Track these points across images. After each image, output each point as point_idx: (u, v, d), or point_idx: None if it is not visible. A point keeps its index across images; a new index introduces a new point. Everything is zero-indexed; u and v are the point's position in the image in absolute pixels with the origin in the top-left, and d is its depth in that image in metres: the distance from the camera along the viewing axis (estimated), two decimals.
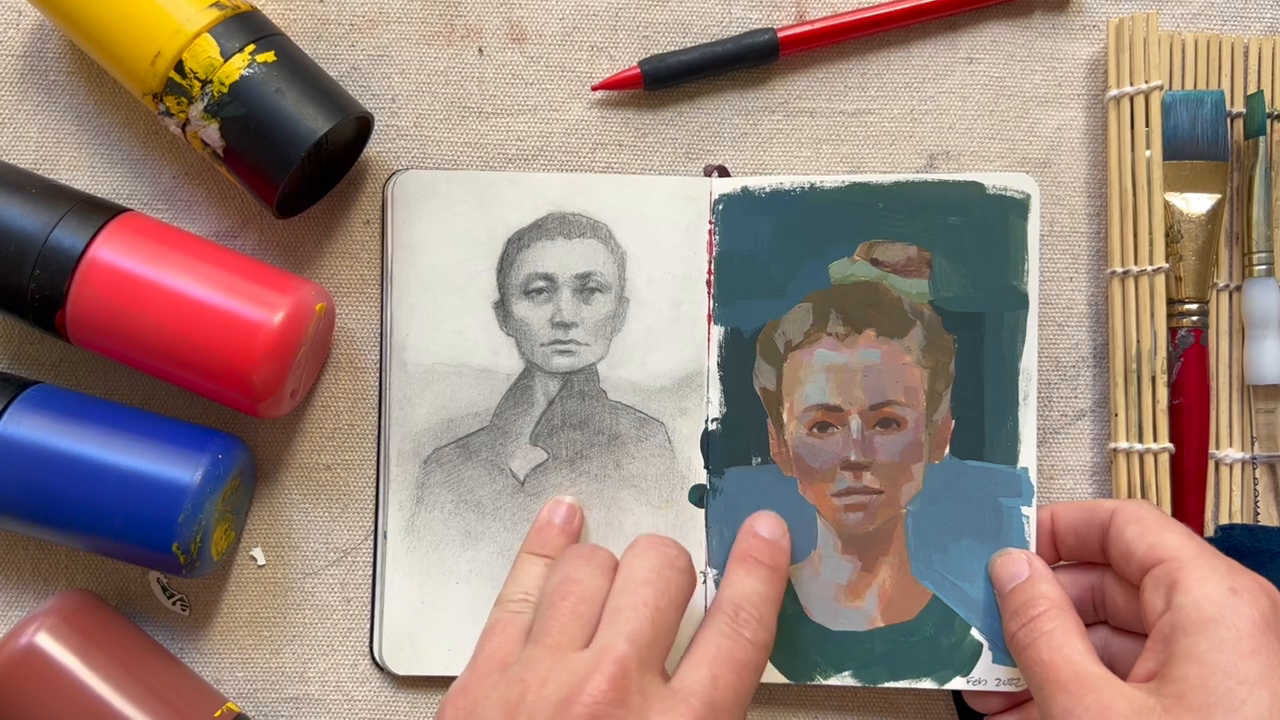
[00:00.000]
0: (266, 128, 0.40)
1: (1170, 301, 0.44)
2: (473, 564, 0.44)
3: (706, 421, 0.44)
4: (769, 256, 0.44)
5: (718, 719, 0.36)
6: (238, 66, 0.40)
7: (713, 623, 0.38)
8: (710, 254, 0.45)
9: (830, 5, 0.46)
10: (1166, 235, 0.44)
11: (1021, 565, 0.41)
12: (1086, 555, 0.42)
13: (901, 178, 0.44)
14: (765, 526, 0.42)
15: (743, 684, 0.37)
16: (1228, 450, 0.45)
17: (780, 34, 0.45)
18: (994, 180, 0.44)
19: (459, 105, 0.46)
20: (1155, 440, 0.44)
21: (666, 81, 0.46)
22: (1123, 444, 0.44)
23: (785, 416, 0.44)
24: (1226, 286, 0.45)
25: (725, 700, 0.36)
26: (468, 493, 0.44)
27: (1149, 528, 0.39)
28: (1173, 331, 0.44)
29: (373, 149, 0.46)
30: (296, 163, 0.40)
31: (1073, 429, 0.46)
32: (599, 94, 0.46)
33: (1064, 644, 0.37)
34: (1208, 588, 0.36)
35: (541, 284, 0.45)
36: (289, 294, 0.41)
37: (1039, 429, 0.46)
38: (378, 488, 0.45)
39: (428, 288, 0.45)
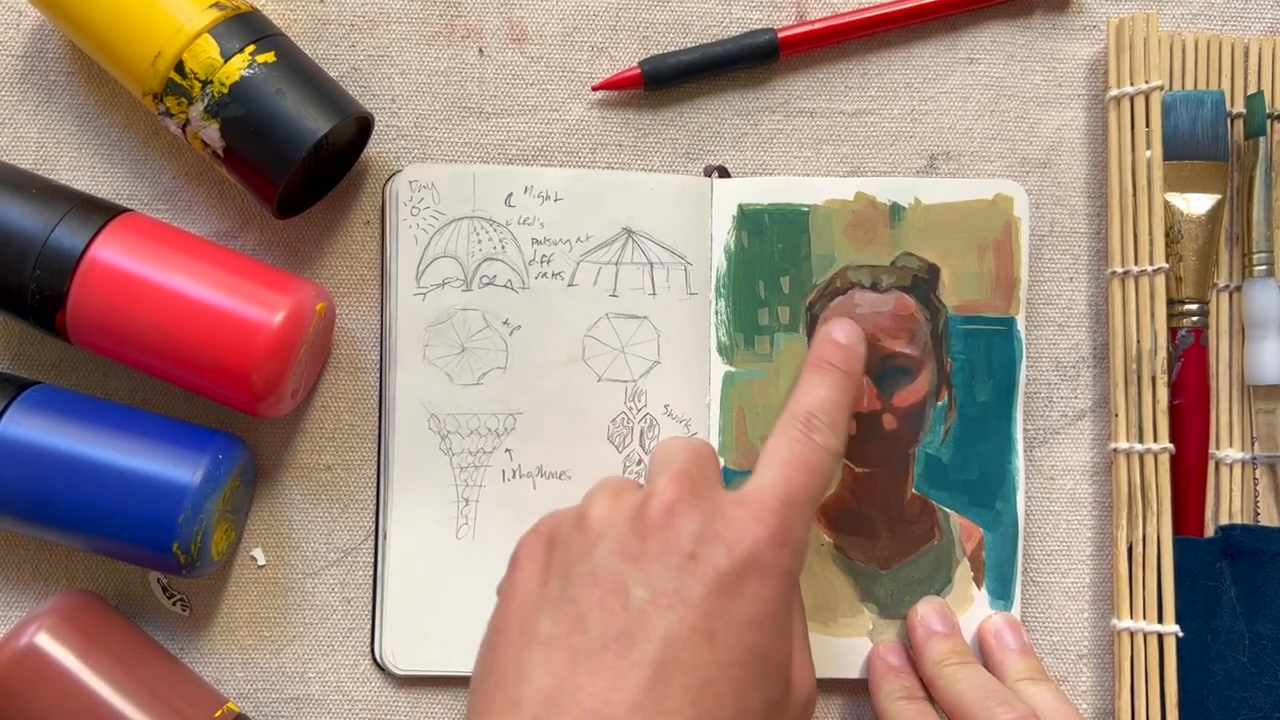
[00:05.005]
0: (267, 128, 0.40)
1: (1170, 301, 0.44)
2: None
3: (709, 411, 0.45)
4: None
5: (791, 515, 0.36)
6: (238, 67, 0.40)
7: (785, 429, 0.38)
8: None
9: (830, 5, 0.46)
10: (1167, 235, 0.44)
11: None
12: None
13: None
14: (842, 332, 0.41)
15: (815, 485, 0.37)
16: (1228, 450, 0.45)
17: (780, 34, 0.45)
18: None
19: (459, 105, 0.46)
20: (1155, 440, 0.44)
21: (667, 82, 0.46)
22: (1123, 444, 0.44)
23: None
24: (1226, 287, 0.45)
25: (799, 498, 0.36)
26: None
27: None
28: (1173, 331, 0.44)
29: (373, 149, 0.46)
30: (296, 163, 0.40)
31: (1073, 429, 0.46)
32: (599, 94, 0.46)
33: None
34: None
35: None
36: (289, 294, 0.41)
37: (1039, 429, 0.46)
38: (378, 488, 0.45)
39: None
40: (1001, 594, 0.44)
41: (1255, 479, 0.45)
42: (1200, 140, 0.44)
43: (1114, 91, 0.45)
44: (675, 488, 0.35)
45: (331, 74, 0.44)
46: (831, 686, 0.45)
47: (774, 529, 0.35)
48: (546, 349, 0.44)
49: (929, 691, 0.42)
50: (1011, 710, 0.38)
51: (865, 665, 0.44)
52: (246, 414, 0.42)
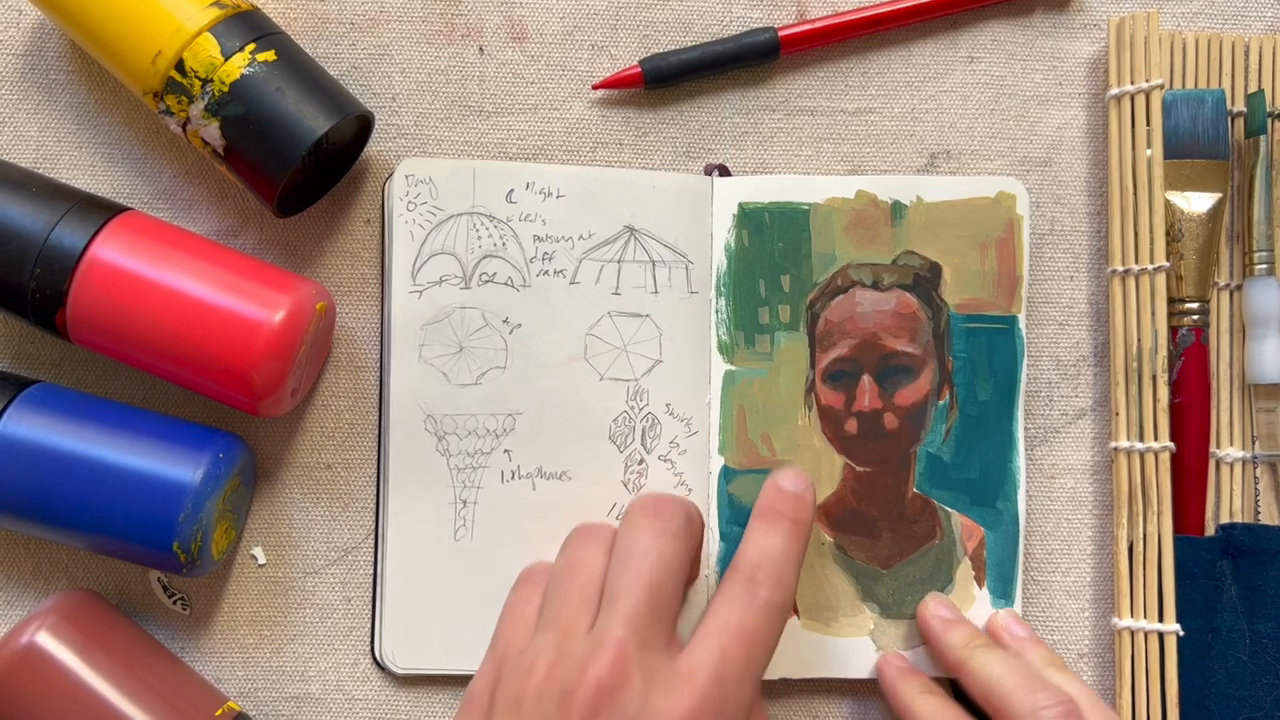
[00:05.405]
0: (267, 127, 0.40)
1: (1171, 300, 0.44)
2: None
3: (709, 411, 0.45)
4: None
5: (725, 694, 0.35)
6: (238, 65, 0.40)
7: (728, 586, 0.38)
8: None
9: (831, 4, 0.46)
10: (1167, 234, 0.44)
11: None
12: None
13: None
14: (789, 480, 0.40)
15: (754, 654, 0.37)
16: (1228, 449, 0.45)
17: (781, 33, 0.45)
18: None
19: (460, 104, 0.46)
20: (1156, 439, 0.44)
21: (667, 80, 0.45)
22: (1124, 443, 0.44)
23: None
24: (1227, 285, 0.45)
25: (734, 674, 0.36)
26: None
27: None
28: (1173, 330, 0.44)
29: (373, 148, 0.46)
30: (297, 162, 0.40)
31: (1073, 428, 0.46)
32: (599, 93, 0.46)
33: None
34: None
35: None
36: (289, 293, 0.41)
37: (1040, 428, 0.46)
38: (378, 487, 0.45)
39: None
40: (1003, 593, 0.44)
41: (1256, 478, 0.45)
42: (1201, 139, 0.44)
43: (1114, 90, 0.45)
44: (608, 667, 0.35)
45: (332, 72, 0.44)
46: (833, 687, 0.45)
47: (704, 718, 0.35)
48: (547, 348, 0.44)
49: (952, 680, 0.43)
50: (1052, 696, 0.38)
51: (873, 669, 0.44)
52: (247, 413, 0.42)
